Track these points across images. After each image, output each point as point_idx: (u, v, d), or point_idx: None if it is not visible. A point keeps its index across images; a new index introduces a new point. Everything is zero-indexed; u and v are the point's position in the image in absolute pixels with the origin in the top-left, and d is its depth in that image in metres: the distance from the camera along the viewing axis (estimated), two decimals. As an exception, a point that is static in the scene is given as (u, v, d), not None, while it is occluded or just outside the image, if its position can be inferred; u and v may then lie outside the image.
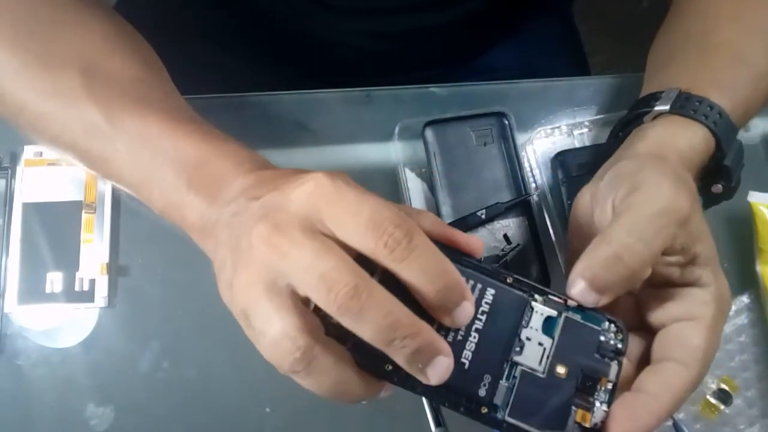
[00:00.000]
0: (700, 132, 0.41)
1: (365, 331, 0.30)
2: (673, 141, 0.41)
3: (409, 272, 0.31)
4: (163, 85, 0.45)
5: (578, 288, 0.34)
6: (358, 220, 0.31)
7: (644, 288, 0.36)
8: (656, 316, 0.37)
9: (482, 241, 0.36)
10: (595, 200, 0.39)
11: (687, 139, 0.41)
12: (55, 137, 0.42)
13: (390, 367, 0.32)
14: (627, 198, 0.36)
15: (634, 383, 0.35)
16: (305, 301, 0.32)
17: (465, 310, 0.32)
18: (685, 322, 0.35)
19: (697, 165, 0.41)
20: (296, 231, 0.31)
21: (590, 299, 0.34)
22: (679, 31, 0.50)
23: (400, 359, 0.31)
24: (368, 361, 0.32)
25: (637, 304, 0.38)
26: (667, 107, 0.42)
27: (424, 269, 0.31)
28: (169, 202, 0.39)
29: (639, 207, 0.35)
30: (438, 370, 0.31)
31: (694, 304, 0.36)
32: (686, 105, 0.42)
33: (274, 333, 0.31)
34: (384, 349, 0.31)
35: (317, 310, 0.32)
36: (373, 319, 0.30)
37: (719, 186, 0.44)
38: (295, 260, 0.31)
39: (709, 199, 0.45)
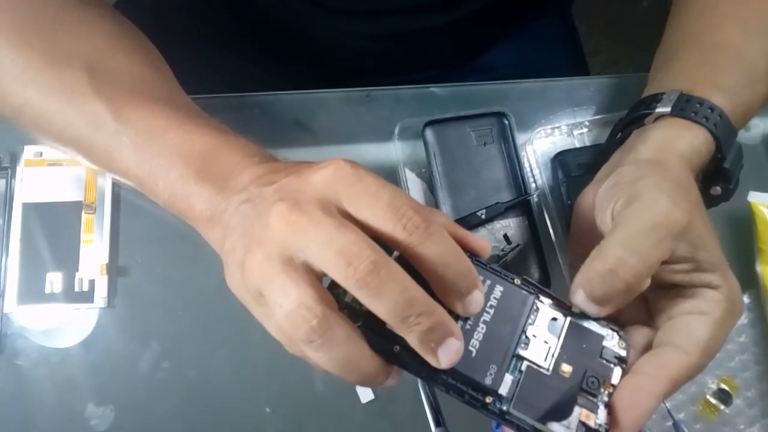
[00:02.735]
0: (701, 134, 0.41)
1: (382, 306, 0.30)
2: (675, 143, 0.41)
3: (426, 255, 0.31)
4: (168, 83, 0.45)
5: (579, 298, 0.35)
6: (378, 202, 0.32)
7: (653, 288, 0.36)
8: (666, 312, 0.37)
9: (489, 243, 0.36)
10: (596, 204, 0.39)
11: (688, 141, 0.41)
12: (59, 133, 0.42)
13: (398, 349, 0.33)
14: (624, 209, 0.36)
15: (633, 366, 0.35)
16: (319, 279, 0.32)
17: (476, 298, 0.33)
18: (693, 315, 0.36)
19: (698, 167, 0.41)
20: (315, 209, 0.32)
21: (591, 310, 0.35)
22: (680, 29, 0.50)
23: (413, 338, 0.31)
24: (377, 341, 0.33)
25: (646, 300, 0.38)
26: (668, 109, 0.42)
27: (440, 253, 0.32)
28: (175, 193, 0.38)
29: (634, 220, 0.35)
30: (449, 352, 0.32)
31: (704, 301, 0.36)
32: (687, 107, 0.42)
33: (291, 303, 0.31)
34: (398, 326, 0.31)
35: (330, 288, 0.33)
36: (391, 294, 0.30)
37: (718, 188, 0.44)
38: (313, 236, 0.31)
39: (707, 201, 0.45)
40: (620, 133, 0.46)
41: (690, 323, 0.35)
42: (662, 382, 0.34)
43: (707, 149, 0.41)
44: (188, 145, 0.39)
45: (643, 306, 0.38)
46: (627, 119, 0.45)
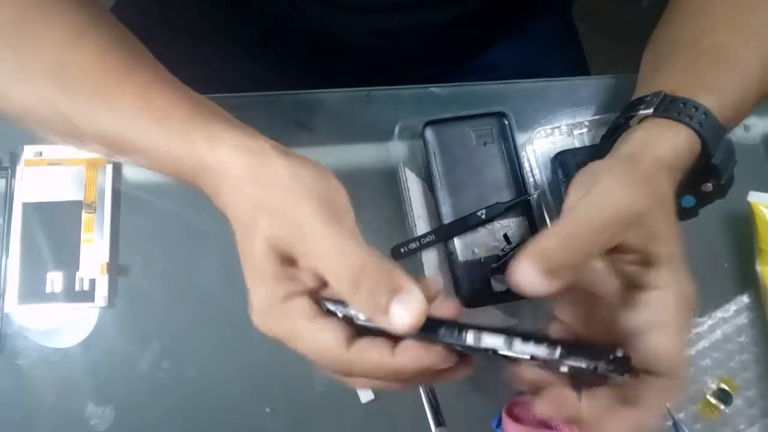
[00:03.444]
0: (683, 132, 0.41)
1: None
2: (653, 143, 0.41)
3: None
4: (137, 71, 0.42)
5: (524, 270, 0.33)
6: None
7: (612, 296, 0.36)
8: (627, 323, 0.36)
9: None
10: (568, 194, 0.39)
11: (669, 141, 0.41)
12: (70, 136, 0.42)
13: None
14: (584, 197, 0.36)
15: (625, 397, 0.34)
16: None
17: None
18: (657, 332, 0.35)
19: (682, 166, 0.41)
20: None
21: (538, 285, 0.33)
22: (671, 35, 0.50)
23: None
24: None
25: (610, 314, 0.38)
26: (650, 111, 0.42)
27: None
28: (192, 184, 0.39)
29: (589, 205, 0.36)
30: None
31: (657, 310, 0.36)
32: (670, 108, 0.42)
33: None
34: None
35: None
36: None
37: (709, 185, 0.44)
38: None
39: (701, 199, 0.45)
40: (611, 137, 0.46)
41: (658, 342, 0.35)
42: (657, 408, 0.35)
43: (691, 147, 0.41)
44: (173, 153, 0.39)
45: (603, 330, 0.37)
46: (615, 123, 0.46)
